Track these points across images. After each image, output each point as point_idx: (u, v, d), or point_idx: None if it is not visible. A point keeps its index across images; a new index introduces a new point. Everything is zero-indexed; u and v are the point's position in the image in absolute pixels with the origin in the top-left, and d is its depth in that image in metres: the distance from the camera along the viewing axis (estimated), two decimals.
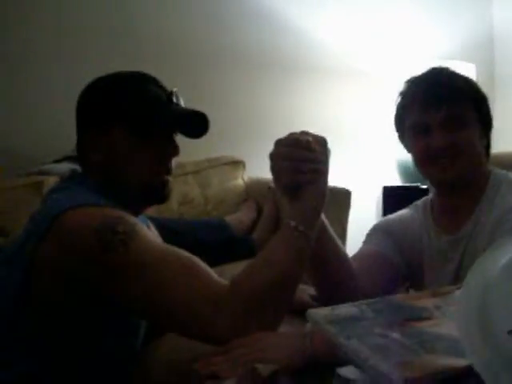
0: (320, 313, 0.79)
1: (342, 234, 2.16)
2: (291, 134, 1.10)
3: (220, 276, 1.07)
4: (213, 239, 2.12)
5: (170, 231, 1.96)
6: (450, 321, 0.75)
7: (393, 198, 2.66)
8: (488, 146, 1.42)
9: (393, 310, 0.80)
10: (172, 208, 2.34)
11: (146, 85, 1.22)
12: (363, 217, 2.49)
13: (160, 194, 1.23)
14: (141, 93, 1.20)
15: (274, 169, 1.09)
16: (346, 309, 0.80)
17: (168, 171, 1.22)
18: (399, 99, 1.42)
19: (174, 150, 1.22)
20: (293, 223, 1.06)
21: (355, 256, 1.46)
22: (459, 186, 1.37)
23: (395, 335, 0.72)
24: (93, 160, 1.21)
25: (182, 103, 1.25)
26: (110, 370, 1.16)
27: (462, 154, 1.32)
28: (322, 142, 1.11)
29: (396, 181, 2.83)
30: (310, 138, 1.09)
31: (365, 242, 1.50)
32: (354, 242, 1.53)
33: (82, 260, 1.04)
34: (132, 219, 1.09)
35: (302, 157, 1.07)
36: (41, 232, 1.07)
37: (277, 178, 1.10)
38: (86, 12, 2.55)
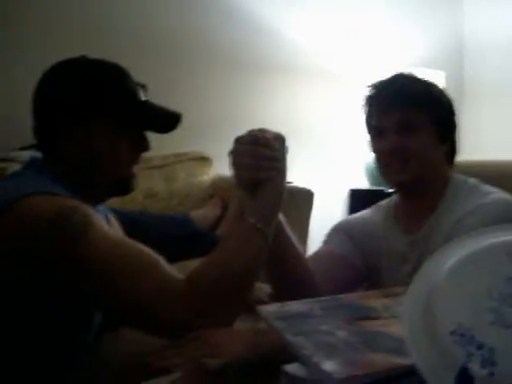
0: (269, 309, 0.79)
1: (304, 235, 2.17)
2: (250, 132, 1.11)
3: (181, 271, 1.07)
4: (176, 234, 2.11)
5: (133, 224, 1.94)
6: (397, 321, 0.76)
7: (359, 201, 2.67)
8: (451, 152, 1.45)
9: (341, 308, 0.81)
10: (136, 200, 2.33)
11: (125, 80, 1.22)
12: (329, 219, 2.48)
13: (128, 187, 1.23)
14: (121, 88, 1.20)
15: (233, 166, 1.11)
16: (295, 306, 0.81)
17: (136, 163, 1.23)
18: (364, 103, 1.45)
19: (146, 146, 1.23)
20: (251, 220, 1.07)
21: (314, 255, 1.47)
22: (415, 188, 1.39)
23: (341, 333, 0.73)
24: (65, 149, 1.19)
25: (149, 97, 1.26)
26: (60, 361, 1.15)
27: (412, 158, 1.35)
28: (280, 140, 1.12)
29: (364, 184, 2.85)
30: (269, 136, 1.10)
31: (324, 242, 1.51)
32: (317, 243, 1.53)
33: (35, 249, 1.03)
34: (88, 210, 1.08)
35: (261, 154, 1.08)
36: None
37: (236, 174, 1.11)
38: (69, 9, 2.52)
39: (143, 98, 1.22)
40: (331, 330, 0.73)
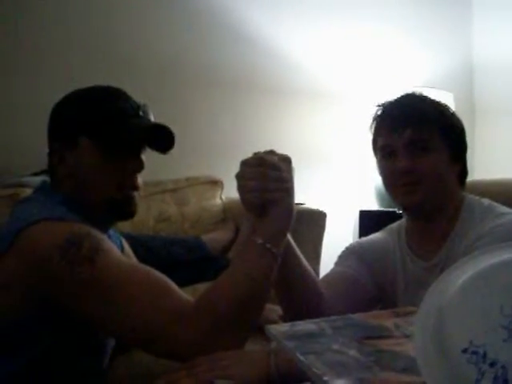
0: (279, 328, 0.79)
1: (316, 256, 2.16)
2: (256, 154, 1.11)
3: (193, 295, 1.07)
4: (187, 257, 2.11)
5: (144, 248, 1.95)
6: (408, 340, 0.75)
7: (369, 222, 2.67)
8: (463, 173, 1.42)
9: (352, 327, 0.80)
10: (148, 225, 2.34)
11: (113, 99, 1.22)
12: (339, 240, 2.48)
13: (125, 210, 1.22)
14: (106, 107, 1.20)
15: (240, 189, 1.11)
16: (305, 325, 0.80)
17: (134, 187, 1.22)
18: (372, 122, 1.43)
19: (139, 166, 1.22)
20: (260, 241, 1.07)
21: (326, 277, 1.46)
22: (425, 212, 1.37)
23: (352, 352, 0.72)
24: (60, 173, 1.21)
25: (152, 117, 1.26)
26: None
27: (424, 179, 1.32)
28: (286, 161, 1.12)
29: (373, 205, 2.84)
30: (276, 157, 1.10)
31: (336, 264, 1.49)
32: (328, 264, 1.52)
33: (45, 276, 1.03)
34: (98, 235, 1.09)
35: (268, 176, 1.08)
36: (4, 247, 1.06)
37: (243, 197, 1.11)
38: (68, 27, 2.56)
39: (131, 115, 1.21)
40: (342, 349, 0.73)
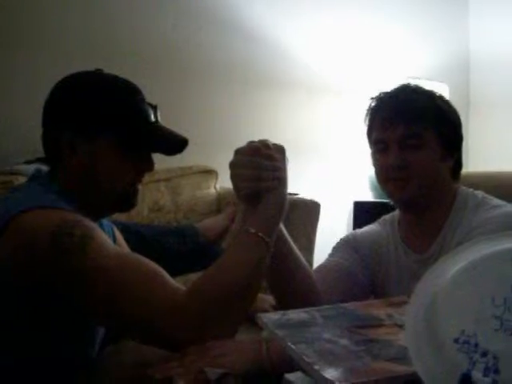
0: (271, 317, 0.79)
1: (310, 246, 2.16)
2: (250, 143, 1.11)
3: (186, 284, 1.06)
4: (181, 246, 2.11)
5: (137, 237, 1.95)
6: (400, 329, 0.75)
7: (363, 213, 2.67)
8: (457, 167, 1.41)
9: (344, 316, 0.80)
10: (142, 214, 2.33)
11: (136, 100, 1.22)
12: (334, 230, 2.49)
13: (130, 203, 1.24)
14: (133, 109, 1.20)
15: (233, 177, 1.11)
16: (296, 314, 0.80)
17: (140, 181, 1.24)
18: (366, 114, 1.43)
19: (150, 166, 1.24)
20: (252, 230, 1.06)
21: (319, 268, 1.46)
22: (416, 206, 1.37)
23: (343, 341, 0.72)
24: (69, 162, 1.18)
25: (159, 117, 1.27)
26: (62, 375, 1.14)
27: (415, 175, 1.31)
28: (280, 151, 1.12)
29: (368, 196, 2.84)
30: (269, 146, 1.09)
31: (330, 255, 1.49)
32: (322, 254, 1.52)
33: (37, 262, 1.03)
34: (90, 224, 1.08)
35: (262, 165, 1.08)
36: None
37: (237, 186, 1.11)
38: (69, 22, 2.55)
39: (152, 120, 1.23)
40: (333, 338, 0.73)
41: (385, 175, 1.36)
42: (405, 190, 1.32)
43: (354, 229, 2.54)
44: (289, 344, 0.71)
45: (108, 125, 1.18)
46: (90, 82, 1.22)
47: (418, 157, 1.32)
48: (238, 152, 1.11)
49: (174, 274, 1.84)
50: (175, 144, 1.25)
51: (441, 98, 1.41)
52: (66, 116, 1.19)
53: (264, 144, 1.12)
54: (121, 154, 1.19)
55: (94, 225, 1.10)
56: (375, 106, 1.39)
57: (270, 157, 1.09)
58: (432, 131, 1.33)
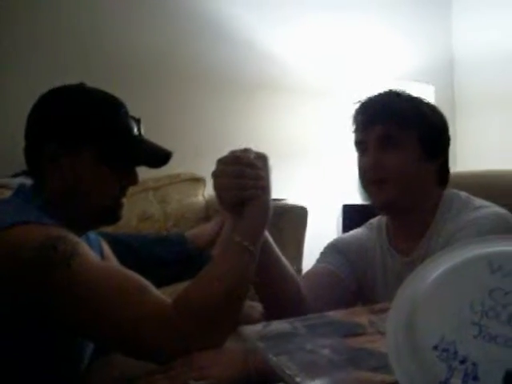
0: (252, 329, 0.79)
1: (298, 252, 2.16)
2: (232, 152, 1.11)
3: (173, 294, 1.06)
4: (170, 256, 2.10)
5: (125, 247, 1.94)
6: (382, 337, 0.75)
7: (353, 216, 2.67)
8: (443, 172, 1.41)
9: (326, 326, 0.80)
10: (131, 224, 2.33)
11: (119, 113, 1.22)
12: (323, 234, 2.49)
13: (114, 216, 1.24)
14: (115, 123, 1.20)
15: (216, 187, 1.11)
16: (278, 325, 0.80)
17: (124, 196, 1.24)
18: (352, 119, 1.44)
19: (134, 180, 1.24)
20: (237, 239, 1.07)
21: (307, 274, 1.46)
22: (396, 210, 1.37)
23: (325, 352, 0.72)
24: (53, 176, 1.18)
25: (143, 130, 1.27)
26: None
27: (391, 175, 1.32)
28: (263, 159, 1.12)
29: (357, 199, 2.84)
30: (252, 155, 1.10)
31: (318, 261, 1.49)
32: (312, 259, 1.52)
33: (21, 278, 1.02)
34: (74, 238, 1.08)
35: (244, 174, 1.08)
36: None
37: (220, 196, 1.11)
38: (55, 36, 2.55)
39: (136, 133, 1.23)
40: (315, 349, 0.73)
41: (364, 177, 1.38)
42: (382, 193, 1.33)
43: (343, 232, 2.55)
44: (270, 356, 0.71)
45: (90, 138, 1.18)
46: (72, 95, 1.23)
47: (394, 157, 1.32)
48: (220, 161, 1.11)
49: (164, 283, 1.83)
50: (158, 157, 1.25)
51: (425, 102, 1.42)
52: (49, 130, 1.19)
53: (246, 152, 1.12)
54: (104, 168, 1.19)
55: (78, 239, 1.10)
56: (358, 109, 1.41)
57: (252, 165, 1.09)
58: (411, 133, 1.34)
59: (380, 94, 1.41)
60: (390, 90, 1.42)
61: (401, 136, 1.33)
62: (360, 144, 1.38)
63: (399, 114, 1.34)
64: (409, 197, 1.35)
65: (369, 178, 1.35)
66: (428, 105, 1.42)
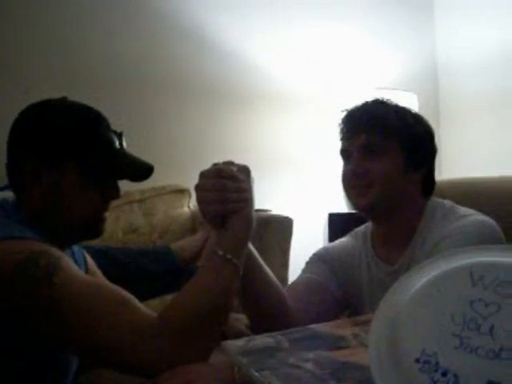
0: (235, 344, 0.78)
1: (284, 262, 2.16)
2: (214, 165, 1.11)
3: (160, 306, 1.06)
4: (155, 268, 2.09)
5: (111, 260, 1.93)
6: (365, 349, 0.75)
7: (339, 225, 2.67)
8: (427, 183, 1.42)
9: (309, 339, 0.80)
10: (117, 237, 2.31)
11: (100, 127, 1.21)
12: (310, 244, 2.49)
13: (97, 231, 1.23)
14: (97, 136, 1.20)
15: (199, 201, 1.11)
16: (262, 339, 0.80)
17: (107, 210, 1.23)
18: (338, 128, 1.45)
19: (116, 194, 1.23)
20: (220, 252, 1.06)
21: (293, 285, 1.46)
22: (376, 214, 1.38)
23: (308, 365, 0.72)
24: (33, 191, 1.17)
25: (125, 143, 1.27)
26: None
27: (375, 182, 1.33)
28: (244, 171, 1.12)
29: (343, 207, 2.84)
30: (234, 168, 1.10)
31: (303, 271, 1.49)
32: (299, 269, 1.52)
33: (3, 294, 1.01)
34: (57, 253, 1.07)
35: (226, 187, 1.08)
36: None
37: (202, 209, 1.11)
38: (32, 48, 2.53)
39: (117, 147, 1.23)
40: (298, 363, 0.72)
41: (347, 183, 1.38)
42: (365, 196, 1.34)
43: (330, 240, 2.55)
44: (253, 371, 0.70)
45: (71, 153, 1.18)
46: (54, 110, 1.22)
47: (378, 165, 1.34)
48: (202, 175, 1.11)
49: (150, 296, 1.82)
50: (140, 171, 1.25)
51: (411, 112, 1.43)
52: (30, 144, 1.19)
53: (228, 165, 1.12)
54: (85, 182, 1.18)
55: (61, 254, 1.09)
56: (343, 118, 1.42)
57: (234, 178, 1.09)
58: (394, 141, 1.35)
59: (365, 103, 1.42)
60: (376, 99, 1.43)
61: (384, 144, 1.34)
62: (345, 152, 1.40)
63: (383, 123, 1.35)
64: (392, 201, 1.35)
65: (353, 184, 1.36)
66: (413, 115, 1.43)
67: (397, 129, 1.36)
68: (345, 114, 1.42)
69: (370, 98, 1.44)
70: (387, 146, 1.35)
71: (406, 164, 1.36)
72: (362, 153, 1.35)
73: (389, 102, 1.43)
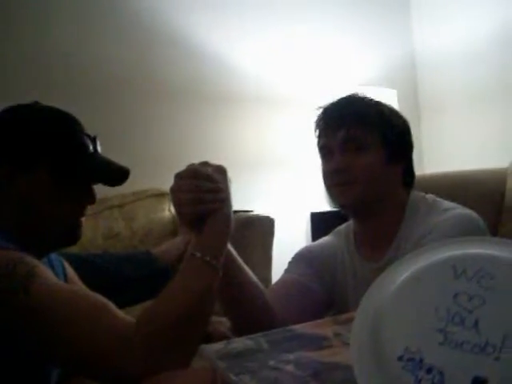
0: (213, 348, 0.76)
1: (267, 262, 2.14)
2: (190, 166, 1.09)
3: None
4: (137, 274, 2.05)
5: (91, 266, 1.89)
6: (347, 348, 0.73)
7: (321, 224, 2.66)
8: (408, 174, 1.41)
9: (289, 340, 0.77)
10: (97, 243, 2.28)
11: (74, 131, 1.19)
12: (293, 243, 2.47)
13: (73, 236, 1.20)
14: (71, 140, 1.18)
15: (175, 202, 1.08)
16: (241, 342, 0.77)
17: (83, 215, 1.21)
18: (314, 125, 1.43)
19: (92, 199, 1.21)
20: (198, 254, 1.04)
21: (275, 285, 1.44)
22: (360, 210, 1.36)
23: (289, 367, 0.69)
24: (6, 197, 1.15)
25: (99, 147, 1.24)
26: None
27: (358, 178, 1.31)
28: (221, 171, 1.10)
29: (324, 206, 2.83)
30: (210, 168, 1.08)
31: (286, 271, 1.47)
32: (282, 269, 1.50)
33: None
34: (33, 261, 1.04)
35: (202, 187, 1.05)
36: None
37: (179, 211, 1.08)
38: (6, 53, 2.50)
39: (91, 151, 1.20)
40: (278, 365, 0.70)
41: (329, 181, 1.36)
42: (348, 193, 1.32)
43: (313, 240, 2.53)
44: (230, 376, 0.67)
45: (44, 157, 1.15)
46: (26, 114, 1.20)
47: (360, 160, 1.31)
48: (177, 176, 1.08)
49: (132, 302, 1.78)
50: (116, 174, 1.22)
51: (387, 106, 1.42)
52: (3, 150, 1.17)
53: (204, 166, 1.09)
54: (59, 187, 1.16)
55: (37, 262, 1.06)
56: (320, 115, 1.40)
57: (210, 178, 1.07)
58: (375, 134, 1.33)
59: (342, 98, 1.40)
60: (352, 94, 1.42)
61: (365, 139, 1.32)
62: (325, 148, 1.37)
63: (362, 117, 1.33)
64: (376, 195, 1.33)
65: (336, 181, 1.34)
66: (390, 108, 1.42)
67: (377, 122, 1.34)
68: (321, 110, 1.40)
69: (345, 94, 1.42)
70: (368, 139, 1.33)
71: (387, 157, 1.34)
72: (343, 148, 1.32)
73: (365, 95, 1.41)
